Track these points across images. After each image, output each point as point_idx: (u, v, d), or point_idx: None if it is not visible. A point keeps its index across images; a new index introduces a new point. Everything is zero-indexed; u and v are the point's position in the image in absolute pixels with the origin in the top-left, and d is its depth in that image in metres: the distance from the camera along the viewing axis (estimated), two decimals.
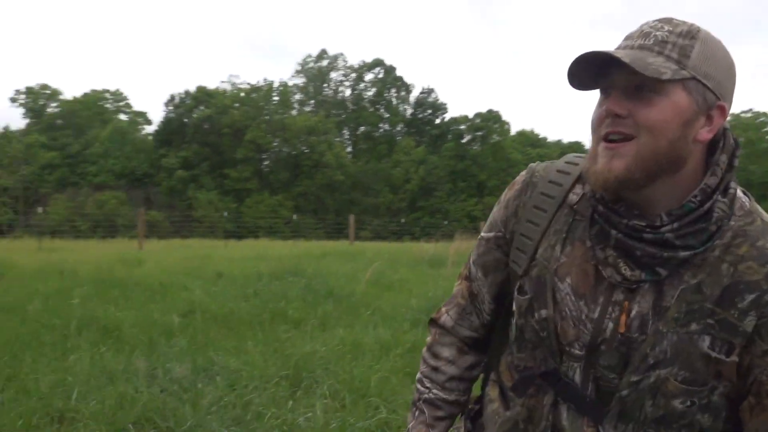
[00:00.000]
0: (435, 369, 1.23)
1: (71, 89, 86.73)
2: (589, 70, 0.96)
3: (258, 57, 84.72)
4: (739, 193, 1.01)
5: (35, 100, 47.12)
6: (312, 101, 51.16)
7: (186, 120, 43.98)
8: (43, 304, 6.09)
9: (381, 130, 51.53)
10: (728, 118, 1.02)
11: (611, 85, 0.96)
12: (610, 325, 0.99)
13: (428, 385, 1.23)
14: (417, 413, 1.22)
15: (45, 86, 47.78)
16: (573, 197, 1.08)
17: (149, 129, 48.44)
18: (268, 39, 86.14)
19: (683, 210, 0.95)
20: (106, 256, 11.83)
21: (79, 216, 33.83)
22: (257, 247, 16.75)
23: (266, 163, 46.06)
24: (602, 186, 0.96)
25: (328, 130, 45.00)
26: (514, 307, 1.12)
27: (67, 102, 47.07)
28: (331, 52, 54.33)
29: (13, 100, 47.54)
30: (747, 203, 1.00)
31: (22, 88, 48.57)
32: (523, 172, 1.16)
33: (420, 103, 52.21)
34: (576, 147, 45.36)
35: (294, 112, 47.61)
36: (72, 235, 27.66)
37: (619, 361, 0.98)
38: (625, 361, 0.98)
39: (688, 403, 0.96)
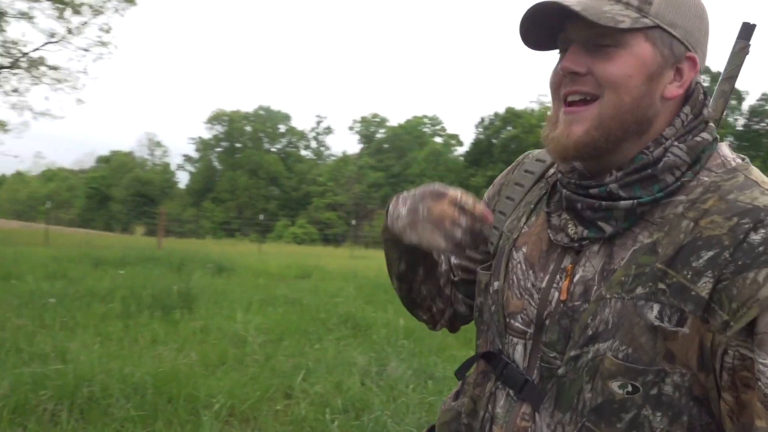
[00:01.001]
0: None
1: (396, 116, 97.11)
2: (543, 27, 0.86)
3: None
4: (725, 150, 0.86)
5: (367, 127, 54.12)
6: None
7: (494, 140, 45.56)
8: (317, 299, 6.99)
9: None
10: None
11: (568, 41, 0.85)
12: (556, 294, 0.86)
13: None
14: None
15: (375, 115, 54.60)
16: (551, 171, 1.01)
17: (460, 150, 51.57)
18: None
19: (634, 163, 0.84)
20: None
21: None
22: None
23: None
24: (560, 154, 0.86)
25: None
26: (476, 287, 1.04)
27: (392, 128, 52.99)
28: None
29: (350, 128, 55.42)
30: (734, 161, 0.85)
31: (358, 117, 56.30)
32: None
33: (756, 112, 45.28)
34: None
35: None
36: None
37: (560, 336, 0.84)
38: (567, 336, 0.84)
39: (629, 388, 0.77)
